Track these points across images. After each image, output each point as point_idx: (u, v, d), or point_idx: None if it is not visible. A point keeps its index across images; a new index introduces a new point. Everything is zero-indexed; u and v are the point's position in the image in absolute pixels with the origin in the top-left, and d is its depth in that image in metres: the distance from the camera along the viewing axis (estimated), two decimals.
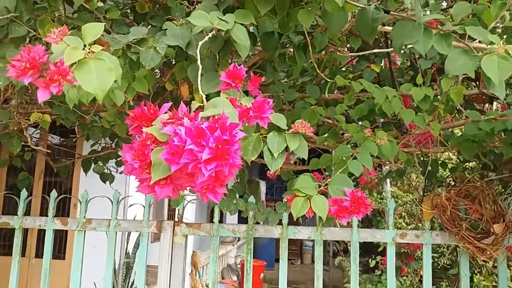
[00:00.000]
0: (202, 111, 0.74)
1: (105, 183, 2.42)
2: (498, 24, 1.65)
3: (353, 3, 1.03)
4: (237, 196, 1.91)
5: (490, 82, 0.94)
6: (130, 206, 1.98)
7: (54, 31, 0.57)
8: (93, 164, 2.33)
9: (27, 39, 1.07)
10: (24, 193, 1.89)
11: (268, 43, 1.23)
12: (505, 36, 1.80)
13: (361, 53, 1.44)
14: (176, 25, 1.08)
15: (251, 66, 1.67)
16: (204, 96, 0.80)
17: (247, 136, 0.96)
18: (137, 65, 1.05)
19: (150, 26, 1.29)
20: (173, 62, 1.38)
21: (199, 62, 0.86)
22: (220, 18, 0.93)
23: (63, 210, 4.28)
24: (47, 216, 1.84)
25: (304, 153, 1.01)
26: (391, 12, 1.02)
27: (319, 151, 2.03)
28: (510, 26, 1.61)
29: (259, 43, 1.36)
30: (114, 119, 1.52)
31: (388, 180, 4.44)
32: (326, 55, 1.53)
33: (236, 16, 0.98)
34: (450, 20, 1.08)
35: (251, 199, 1.86)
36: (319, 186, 1.15)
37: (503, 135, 1.78)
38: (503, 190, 2.02)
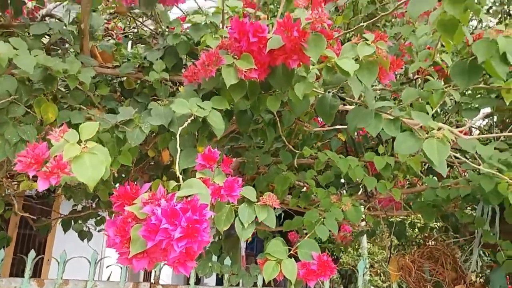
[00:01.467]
0: (178, 191, 0.85)
1: (82, 241, 2.45)
2: None
3: (315, 89, 1.20)
4: (214, 257, 1.98)
5: (433, 163, 1.10)
6: (108, 267, 2.01)
7: (55, 130, 0.69)
8: (72, 223, 2.37)
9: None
10: (1, 253, 1.91)
11: (242, 119, 1.37)
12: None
13: (325, 129, 1.60)
14: (160, 105, 1.22)
15: (230, 133, 1.82)
16: (179, 174, 0.92)
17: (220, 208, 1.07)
18: (123, 142, 1.17)
19: (136, 102, 1.43)
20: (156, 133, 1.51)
21: (178, 144, 0.98)
22: (198, 105, 1.07)
23: (35, 265, 4.17)
24: (23, 276, 1.85)
25: (271, 223, 1.12)
26: (346, 99, 1.19)
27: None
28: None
29: None
30: (97, 184, 1.60)
31: (365, 236, 4.51)
32: (295, 127, 1.69)
33: (213, 102, 1.12)
34: (398, 105, 1.25)
35: (227, 261, 1.92)
36: (289, 250, 1.25)
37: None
38: (463, 252, 2.15)
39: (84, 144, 0.71)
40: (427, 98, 1.29)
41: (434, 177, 1.89)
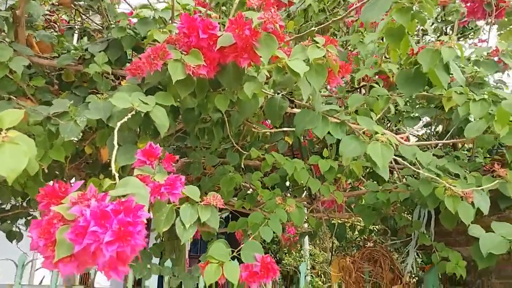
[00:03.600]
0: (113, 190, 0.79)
1: (11, 242, 2.26)
2: None
3: (264, 91, 1.18)
4: (154, 259, 1.91)
5: (376, 166, 1.12)
6: (37, 269, 1.86)
7: None
8: (0, 223, 2.18)
9: None
10: None
11: (188, 117, 1.33)
12: None
13: (272, 130, 1.59)
14: (100, 99, 1.14)
15: (176, 132, 1.76)
16: (115, 172, 0.86)
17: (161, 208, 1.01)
18: (55, 135, 1.08)
19: (74, 95, 1.34)
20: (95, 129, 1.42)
21: (115, 140, 0.92)
22: (141, 100, 1.01)
23: None
24: None
25: (215, 224, 1.08)
26: (295, 101, 1.19)
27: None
28: None
29: None
30: (26, 181, 1.48)
31: (306, 238, 4.59)
32: (244, 128, 1.67)
33: (157, 98, 1.07)
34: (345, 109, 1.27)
35: (168, 262, 1.86)
36: (232, 252, 1.22)
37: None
38: (400, 254, 2.25)
39: (5, 133, 0.63)
40: (372, 104, 1.32)
41: (374, 182, 1.95)
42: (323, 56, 0.98)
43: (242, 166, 1.67)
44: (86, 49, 1.31)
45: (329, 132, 1.19)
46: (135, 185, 0.81)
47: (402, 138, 1.61)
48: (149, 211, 0.97)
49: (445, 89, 1.19)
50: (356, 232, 2.89)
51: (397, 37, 1.05)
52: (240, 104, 1.18)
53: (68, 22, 1.88)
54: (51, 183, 0.79)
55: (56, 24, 1.77)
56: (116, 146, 0.91)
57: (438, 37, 2.37)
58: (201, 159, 1.81)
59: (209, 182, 1.90)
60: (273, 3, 1.03)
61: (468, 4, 2.10)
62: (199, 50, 1.05)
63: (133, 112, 0.99)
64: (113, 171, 0.85)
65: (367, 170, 2.16)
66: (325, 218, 2.12)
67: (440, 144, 1.75)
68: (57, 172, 1.54)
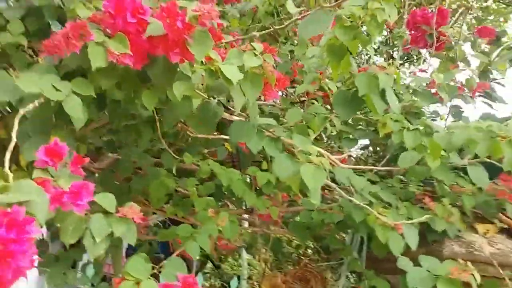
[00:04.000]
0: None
1: None
2: None
3: (198, 92, 1.09)
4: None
5: (307, 188, 1.06)
6: None
7: None
8: None
9: None
10: None
11: (114, 112, 1.21)
12: None
13: (210, 136, 1.50)
14: (11, 76, 1.00)
15: (107, 124, 1.61)
16: (8, 171, 0.74)
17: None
18: None
19: None
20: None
21: (14, 132, 0.79)
22: (54, 86, 0.89)
23: None
24: None
25: (131, 239, 0.97)
26: (230, 110, 1.11)
27: None
28: None
29: None
30: None
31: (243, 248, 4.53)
32: (181, 129, 1.56)
33: (74, 85, 0.95)
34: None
35: (90, 270, 1.70)
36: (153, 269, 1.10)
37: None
38: (333, 273, 2.23)
39: None
40: (310, 121, 1.27)
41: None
42: (259, 65, 0.91)
43: (173, 171, 1.55)
44: (1, 13, 1.15)
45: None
46: (30, 190, 0.68)
47: (340, 159, 1.59)
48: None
49: (381, 115, 1.16)
50: (293, 246, 2.85)
51: (338, 55, 1.00)
52: (171, 104, 1.08)
53: None
54: None
55: None
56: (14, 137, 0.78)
57: (385, 59, 2.41)
58: (131, 157, 1.68)
59: (139, 184, 1.76)
60: None
61: (412, 32, 2.15)
62: (126, 35, 0.94)
63: (42, 100, 0.86)
64: (6, 169, 0.72)
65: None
66: (260, 233, 2.06)
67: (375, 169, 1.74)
68: None
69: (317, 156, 1.09)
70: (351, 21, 0.96)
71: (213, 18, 0.87)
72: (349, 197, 1.29)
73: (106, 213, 0.90)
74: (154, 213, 2.20)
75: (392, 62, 2.13)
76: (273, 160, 1.11)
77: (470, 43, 2.22)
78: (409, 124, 1.24)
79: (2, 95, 0.95)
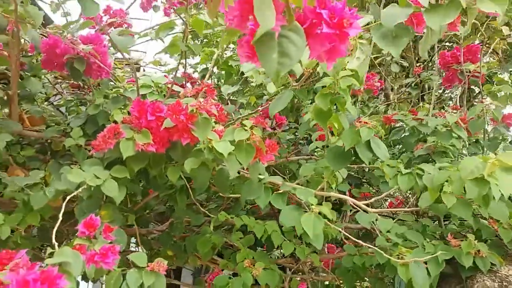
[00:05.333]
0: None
1: None
2: None
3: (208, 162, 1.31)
4: None
5: (307, 235, 1.20)
6: None
7: None
8: None
9: None
10: None
11: (156, 184, 1.47)
12: None
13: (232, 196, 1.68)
14: (71, 169, 1.32)
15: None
16: (54, 241, 1.00)
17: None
18: (29, 203, 1.25)
19: (58, 163, 1.53)
20: None
21: (61, 213, 1.07)
22: (95, 175, 1.17)
23: None
24: None
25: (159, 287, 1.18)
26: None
27: None
28: None
29: None
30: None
31: None
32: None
33: (113, 171, 1.23)
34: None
35: None
36: None
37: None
38: None
39: None
40: (321, 173, 1.42)
41: (352, 245, 1.97)
42: (248, 138, 1.11)
43: (211, 228, 1.76)
44: (69, 123, 1.52)
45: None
46: (68, 255, 0.94)
47: (366, 204, 1.68)
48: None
49: (367, 164, 1.27)
50: None
51: (323, 117, 1.16)
52: (193, 173, 1.31)
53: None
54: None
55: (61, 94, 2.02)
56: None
57: (415, 104, 2.45)
58: (183, 219, 1.93)
59: (193, 242, 2.00)
60: (212, 91, 1.19)
61: (444, 73, 2.20)
62: (149, 129, 1.21)
63: (81, 189, 1.14)
64: (53, 241, 0.99)
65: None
66: (309, 279, 2.14)
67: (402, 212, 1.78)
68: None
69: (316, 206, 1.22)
70: (327, 90, 1.13)
71: (207, 109, 1.10)
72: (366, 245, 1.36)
73: (139, 268, 1.13)
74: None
75: (423, 105, 2.19)
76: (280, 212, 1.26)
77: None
78: (402, 169, 1.32)
79: (63, 184, 1.26)
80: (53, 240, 0.99)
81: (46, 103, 1.92)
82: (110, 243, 1.08)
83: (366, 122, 1.18)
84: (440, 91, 2.67)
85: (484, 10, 0.72)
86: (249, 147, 1.14)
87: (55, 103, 2.33)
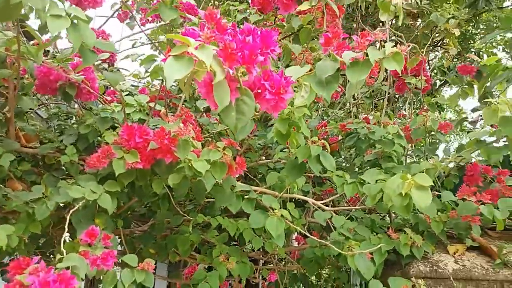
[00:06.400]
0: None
1: None
2: None
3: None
4: None
5: (271, 235, 1.46)
6: None
7: None
8: None
9: None
10: None
11: (141, 193, 1.69)
12: None
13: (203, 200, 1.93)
14: (68, 184, 1.52)
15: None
16: (63, 248, 1.21)
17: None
18: (33, 215, 1.45)
19: (52, 176, 1.72)
20: None
21: (67, 224, 1.28)
22: (91, 190, 1.39)
23: None
24: None
25: (149, 283, 1.41)
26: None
27: None
28: None
29: None
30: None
31: None
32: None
33: (106, 186, 1.44)
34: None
35: None
36: None
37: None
38: None
39: None
40: (283, 180, 1.68)
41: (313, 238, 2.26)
42: (220, 157, 1.35)
43: (190, 228, 1.99)
44: (61, 141, 1.71)
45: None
46: (75, 259, 1.16)
47: (324, 203, 1.96)
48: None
49: (317, 174, 1.53)
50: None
51: (283, 138, 1.41)
52: (175, 185, 1.55)
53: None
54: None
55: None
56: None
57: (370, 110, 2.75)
58: (164, 220, 2.15)
59: (170, 242, 2.22)
60: (190, 116, 1.42)
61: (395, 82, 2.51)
62: (137, 149, 1.43)
63: (81, 203, 1.36)
64: (61, 248, 1.21)
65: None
66: (277, 270, 2.42)
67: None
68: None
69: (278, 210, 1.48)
70: (285, 116, 1.39)
71: (189, 133, 1.33)
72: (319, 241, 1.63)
73: (131, 267, 1.36)
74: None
75: (375, 112, 2.48)
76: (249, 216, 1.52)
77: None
78: (348, 178, 1.60)
79: (64, 198, 1.46)
80: (62, 247, 1.20)
81: (32, 115, 2.09)
82: (106, 247, 1.31)
83: (315, 141, 1.44)
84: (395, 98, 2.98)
85: (387, 67, 0.99)
86: (222, 165, 1.38)
87: (40, 112, 2.50)
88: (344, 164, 2.72)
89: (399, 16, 1.47)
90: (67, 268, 1.12)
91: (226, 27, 0.74)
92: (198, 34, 0.71)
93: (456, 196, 1.78)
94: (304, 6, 1.43)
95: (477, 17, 5.05)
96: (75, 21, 1.10)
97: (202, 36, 0.70)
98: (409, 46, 1.95)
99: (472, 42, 5.60)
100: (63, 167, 1.78)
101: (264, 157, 2.61)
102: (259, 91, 0.83)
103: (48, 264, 1.11)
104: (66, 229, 1.28)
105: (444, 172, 2.00)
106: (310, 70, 1.05)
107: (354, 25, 3.86)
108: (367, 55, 0.96)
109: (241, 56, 0.72)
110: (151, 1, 2.00)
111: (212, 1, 1.78)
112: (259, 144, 2.67)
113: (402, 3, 1.33)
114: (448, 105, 2.42)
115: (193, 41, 0.67)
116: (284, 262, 2.53)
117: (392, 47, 0.97)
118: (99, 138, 1.74)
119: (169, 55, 0.65)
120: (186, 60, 0.66)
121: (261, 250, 2.45)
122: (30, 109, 2.14)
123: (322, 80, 1.03)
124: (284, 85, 0.83)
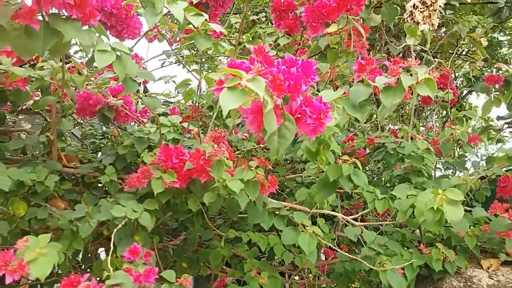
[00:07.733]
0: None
1: None
2: None
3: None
4: None
5: (304, 252, 1.49)
6: None
7: (20, 241, 1.06)
8: None
9: None
10: None
11: (176, 209, 1.76)
12: None
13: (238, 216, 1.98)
14: (108, 202, 1.60)
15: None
16: (109, 266, 1.28)
17: None
18: (77, 233, 1.53)
19: (92, 194, 1.81)
20: None
21: (112, 240, 1.35)
22: (133, 209, 1.46)
23: None
24: None
25: None
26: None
27: None
28: None
29: None
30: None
31: None
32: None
33: (145, 204, 1.51)
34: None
35: None
36: None
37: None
38: None
39: (40, 250, 1.08)
40: (313, 196, 1.71)
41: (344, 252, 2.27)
42: (253, 177, 1.40)
43: (222, 243, 2.04)
44: (101, 161, 1.80)
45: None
46: (121, 277, 1.23)
47: (354, 218, 1.98)
48: None
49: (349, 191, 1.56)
50: None
51: (313, 155, 1.45)
52: (208, 203, 1.60)
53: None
54: None
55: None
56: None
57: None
58: (195, 235, 2.21)
59: (205, 255, 2.28)
60: (222, 137, 1.48)
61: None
62: (174, 169, 1.50)
63: (124, 222, 1.43)
64: (108, 266, 1.28)
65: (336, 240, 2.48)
66: (308, 284, 2.44)
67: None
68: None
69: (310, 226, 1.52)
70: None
71: (223, 153, 1.39)
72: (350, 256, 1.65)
73: (169, 283, 1.42)
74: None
75: (402, 127, 2.49)
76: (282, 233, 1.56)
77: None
78: (378, 194, 1.62)
79: (105, 216, 1.54)
80: (108, 264, 1.27)
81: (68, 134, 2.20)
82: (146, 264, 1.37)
83: (346, 160, 1.47)
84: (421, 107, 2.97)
85: (420, 93, 1.02)
86: (256, 184, 1.43)
87: (74, 131, 2.63)
88: (372, 178, 2.73)
89: (427, 39, 1.50)
90: (116, 285, 1.19)
91: (273, 60, 0.80)
92: (248, 67, 0.77)
93: (487, 212, 1.77)
94: (332, 28, 1.49)
95: (503, 24, 4.99)
96: (119, 53, 1.18)
97: (254, 69, 0.77)
98: (435, 60, 1.97)
99: (498, 48, 5.52)
100: (102, 186, 1.87)
101: (291, 172, 2.65)
102: (299, 115, 0.88)
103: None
104: (112, 246, 1.35)
105: (475, 187, 1.99)
106: (343, 93, 1.09)
107: (378, 35, 3.89)
108: (399, 80, 0.99)
109: (287, 86, 0.78)
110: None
111: (242, 25, 1.84)
112: (285, 158, 2.72)
113: (429, 29, 1.36)
114: (481, 115, 2.40)
115: (245, 74, 0.73)
116: (312, 275, 2.54)
117: (424, 73, 1.00)
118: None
119: (224, 87, 0.72)
120: (239, 91, 0.73)
121: (290, 263, 2.48)
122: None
123: (356, 104, 1.07)
124: (324, 111, 0.88)
